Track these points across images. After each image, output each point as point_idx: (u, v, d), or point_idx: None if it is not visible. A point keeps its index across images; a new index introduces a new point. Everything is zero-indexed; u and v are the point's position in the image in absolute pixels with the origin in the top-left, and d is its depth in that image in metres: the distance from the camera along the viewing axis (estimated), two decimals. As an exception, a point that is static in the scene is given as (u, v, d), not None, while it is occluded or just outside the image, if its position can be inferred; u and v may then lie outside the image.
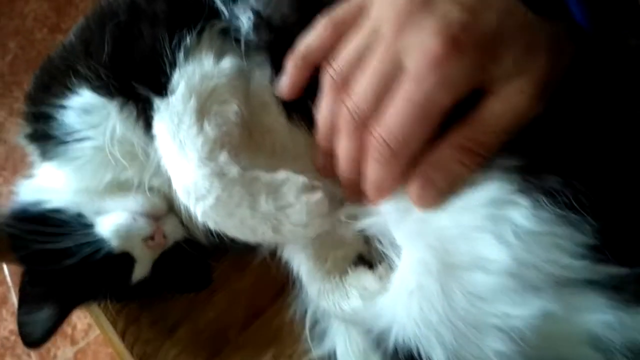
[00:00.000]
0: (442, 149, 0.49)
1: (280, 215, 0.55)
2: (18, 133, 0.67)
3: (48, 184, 0.65)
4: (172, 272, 0.68)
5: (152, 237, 0.64)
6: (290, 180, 0.56)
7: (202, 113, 0.57)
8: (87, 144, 0.62)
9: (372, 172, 0.51)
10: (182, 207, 0.59)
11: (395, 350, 0.50)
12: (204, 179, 0.55)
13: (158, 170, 0.62)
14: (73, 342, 1.56)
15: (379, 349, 0.53)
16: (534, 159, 0.49)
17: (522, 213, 0.47)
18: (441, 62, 0.46)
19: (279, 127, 0.61)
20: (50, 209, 0.64)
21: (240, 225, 0.56)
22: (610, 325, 0.47)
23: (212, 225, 0.56)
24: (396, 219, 0.54)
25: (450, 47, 0.46)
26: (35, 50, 1.95)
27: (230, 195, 0.55)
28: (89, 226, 0.63)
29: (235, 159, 0.56)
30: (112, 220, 0.62)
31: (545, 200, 0.47)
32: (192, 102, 0.57)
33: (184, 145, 0.56)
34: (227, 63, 0.59)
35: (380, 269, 0.59)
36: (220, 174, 0.55)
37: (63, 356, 1.55)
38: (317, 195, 0.56)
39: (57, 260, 0.61)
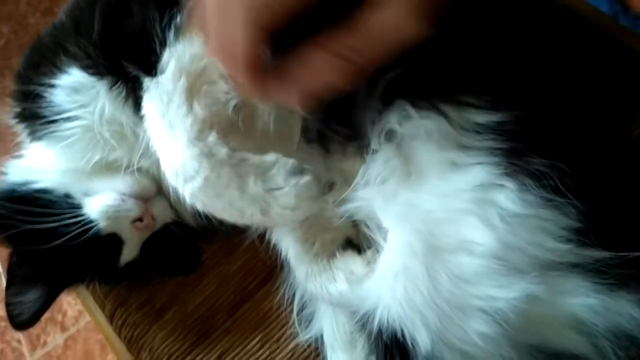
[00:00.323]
0: (320, 54, 0.41)
1: (268, 197, 0.55)
2: (7, 113, 0.67)
3: (36, 164, 0.65)
4: (161, 255, 0.68)
5: (140, 219, 0.64)
6: (279, 163, 0.56)
7: (191, 92, 0.57)
8: (75, 124, 0.62)
9: None
10: (170, 189, 0.59)
11: (380, 332, 0.51)
12: (193, 160, 0.55)
13: (147, 151, 0.61)
14: (63, 328, 1.56)
15: (364, 331, 0.53)
16: (521, 141, 0.49)
17: (508, 196, 0.48)
18: None
19: (268, 108, 0.60)
20: (38, 189, 0.64)
21: (228, 206, 0.55)
22: (594, 309, 0.47)
23: (200, 207, 0.56)
24: (382, 203, 0.54)
25: None
26: (29, 35, 1.95)
27: (219, 176, 0.55)
28: (77, 207, 0.63)
29: (224, 140, 0.56)
30: (101, 201, 0.62)
31: (531, 183, 0.48)
32: (182, 82, 0.56)
33: (173, 125, 0.56)
34: None
35: (368, 253, 0.59)
36: (209, 155, 0.55)
37: (53, 342, 1.56)
38: (306, 178, 0.55)
39: (45, 241, 0.61)
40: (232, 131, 0.58)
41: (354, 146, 0.58)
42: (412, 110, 0.53)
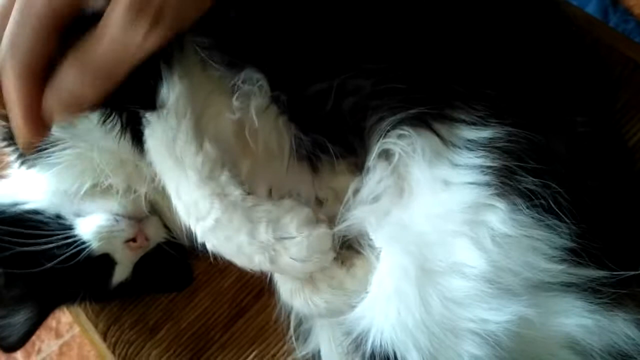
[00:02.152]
0: (63, 68, 0.45)
1: (278, 246, 0.55)
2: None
3: (25, 185, 0.65)
4: (153, 274, 0.69)
5: (134, 239, 0.64)
6: (294, 211, 0.56)
7: (199, 129, 0.56)
8: (69, 152, 0.61)
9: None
10: (168, 210, 0.60)
11: (373, 354, 0.51)
12: (205, 199, 0.55)
13: (144, 177, 0.62)
14: (58, 335, 1.58)
15: (358, 352, 0.54)
16: (511, 159, 0.50)
17: (498, 217, 0.49)
18: None
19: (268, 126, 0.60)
20: (28, 210, 0.64)
21: (237, 251, 0.56)
22: (589, 329, 0.48)
23: (210, 247, 0.57)
24: (375, 222, 0.55)
25: None
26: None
27: (230, 219, 0.55)
28: (68, 227, 0.63)
29: (237, 179, 0.56)
30: (93, 222, 0.62)
31: (523, 203, 0.49)
32: (188, 118, 0.56)
33: (182, 162, 0.55)
34: (216, 71, 0.58)
35: (342, 254, 0.59)
36: (221, 195, 0.55)
37: (48, 350, 1.58)
38: (320, 230, 0.56)
39: (36, 263, 0.61)
40: (241, 160, 0.59)
41: (345, 164, 0.59)
42: (406, 128, 0.54)
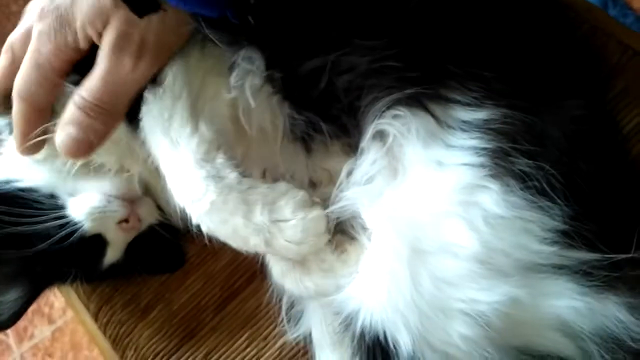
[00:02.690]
0: (69, 107, 0.55)
1: (273, 228, 0.55)
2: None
3: (18, 162, 0.66)
4: (145, 255, 0.69)
5: (126, 220, 0.64)
6: (289, 194, 0.57)
7: (195, 111, 0.57)
8: None
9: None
10: (162, 191, 0.61)
11: (363, 333, 0.52)
12: (200, 181, 0.55)
13: (137, 156, 0.62)
14: (50, 321, 1.58)
15: (348, 332, 0.55)
16: (506, 140, 0.51)
17: (492, 198, 0.49)
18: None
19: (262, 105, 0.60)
20: (22, 188, 0.64)
21: (232, 233, 0.56)
22: (580, 311, 0.49)
23: (205, 229, 0.57)
24: (367, 203, 0.55)
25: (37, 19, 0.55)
26: (11, 24, 1.94)
27: (225, 201, 0.55)
28: (61, 207, 0.63)
29: (232, 162, 0.57)
30: (86, 202, 0.63)
31: (516, 185, 0.49)
32: (184, 99, 0.57)
33: (177, 144, 0.56)
34: (214, 51, 0.58)
35: (335, 239, 0.60)
36: (216, 177, 0.55)
37: (40, 335, 1.58)
38: (315, 213, 0.56)
39: (29, 244, 0.61)
40: (237, 143, 0.60)
41: (339, 144, 0.59)
42: (401, 109, 0.54)
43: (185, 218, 0.59)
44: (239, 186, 0.56)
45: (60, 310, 1.58)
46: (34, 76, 0.56)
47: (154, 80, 0.57)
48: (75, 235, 0.62)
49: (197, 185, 0.55)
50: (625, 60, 0.64)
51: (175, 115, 0.57)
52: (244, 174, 0.57)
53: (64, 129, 0.55)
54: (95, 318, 0.75)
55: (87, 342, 1.55)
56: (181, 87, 0.57)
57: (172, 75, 0.57)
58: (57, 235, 0.61)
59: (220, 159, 0.56)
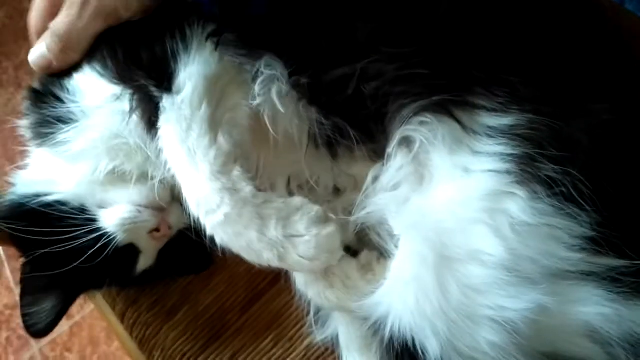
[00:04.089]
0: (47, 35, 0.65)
1: (287, 244, 0.56)
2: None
3: (46, 175, 0.66)
4: (176, 259, 0.70)
5: (157, 229, 0.66)
6: (304, 209, 0.57)
7: (214, 122, 0.58)
8: (88, 134, 0.63)
9: None
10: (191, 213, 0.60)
11: (391, 339, 0.53)
12: (215, 193, 0.56)
13: (160, 163, 0.62)
14: (68, 316, 1.59)
15: (376, 337, 0.56)
16: (532, 146, 0.52)
17: (518, 205, 0.50)
18: None
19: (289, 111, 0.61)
20: (52, 202, 0.65)
21: (246, 247, 0.57)
22: (608, 317, 0.50)
23: (219, 241, 0.58)
24: (395, 209, 0.56)
25: None
26: (24, 21, 1.96)
27: (240, 214, 0.56)
28: (92, 220, 0.64)
29: (249, 175, 0.58)
30: (117, 214, 0.64)
31: (543, 191, 0.50)
32: (203, 110, 0.58)
33: (195, 155, 0.57)
34: (232, 59, 0.60)
35: (362, 256, 0.61)
36: (232, 190, 0.56)
37: (59, 330, 1.60)
38: (329, 229, 0.57)
39: (65, 262, 0.62)
40: (253, 151, 0.61)
41: (365, 150, 0.60)
42: (428, 115, 0.55)
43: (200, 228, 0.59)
44: (254, 200, 0.57)
45: (78, 305, 1.59)
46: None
47: (170, 89, 0.59)
48: (109, 248, 0.63)
49: (212, 197, 0.56)
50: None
51: (193, 126, 0.58)
52: (267, 183, 0.59)
53: (39, 49, 0.65)
54: (122, 320, 0.77)
55: (105, 337, 1.57)
56: (201, 98, 0.58)
57: (192, 86, 0.58)
58: (92, 250, 0.62)
59: (236, 172, 0.57)
